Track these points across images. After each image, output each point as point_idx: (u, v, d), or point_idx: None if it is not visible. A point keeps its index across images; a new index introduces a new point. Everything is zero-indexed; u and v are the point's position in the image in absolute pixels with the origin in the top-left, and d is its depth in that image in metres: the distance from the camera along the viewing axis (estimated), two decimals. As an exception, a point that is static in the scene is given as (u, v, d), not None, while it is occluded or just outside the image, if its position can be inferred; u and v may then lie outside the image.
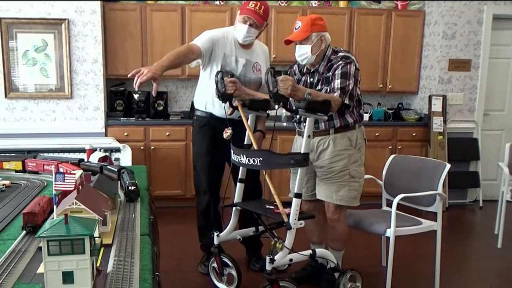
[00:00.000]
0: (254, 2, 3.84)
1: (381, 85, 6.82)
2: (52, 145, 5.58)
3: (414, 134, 6.67)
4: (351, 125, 3.69)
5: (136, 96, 6.40)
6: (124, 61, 6.20)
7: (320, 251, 3.59)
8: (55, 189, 2.08)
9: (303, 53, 3.61)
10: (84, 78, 6.00)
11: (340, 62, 3.57)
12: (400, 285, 4.04)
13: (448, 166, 3.88)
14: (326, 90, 3.58)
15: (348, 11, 6.62)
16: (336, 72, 3.55)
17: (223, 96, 3.66)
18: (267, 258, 3.29)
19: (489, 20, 6.54)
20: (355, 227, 3.95)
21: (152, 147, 6.13)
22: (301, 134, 3.78)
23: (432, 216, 3.93)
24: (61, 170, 3.44)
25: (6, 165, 3.53)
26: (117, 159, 5.33)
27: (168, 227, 5.08)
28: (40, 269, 1.67)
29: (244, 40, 3.93)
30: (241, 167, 3.80)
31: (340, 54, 3.66)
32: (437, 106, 6.55)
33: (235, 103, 3.75)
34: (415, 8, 6.93)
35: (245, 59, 4.00)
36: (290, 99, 3.54)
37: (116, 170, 3.03)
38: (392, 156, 4.37)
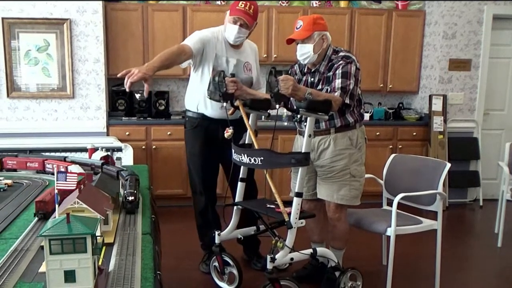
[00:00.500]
0: (244, 2, 3.83)
1: (381, 85, 6.83)
2: (54, 144, 5.59)
3: (414, 133, 6.68)
4: (351, 125, 3.70)
5: (137, 95, 6.42)
6: (125, 61, 6.20)
7: (321, 250, 3.60)
8: (57, 188, 2.09)
9: (305, 52, 3.61)
10: (86, 77, 6.02)
11: (341, 61, 3.58)
12: (400, 284, 4.05)
13: (448, 165, 3.89)
14: (327, 89, 3.59)
15: (349, 11, 6.63)
16: (337, 71, 3.56)
17: (224, 96, 3.67)
18: (268, 257, 3.30)
19: (489, 20, 6.55)
20: (355, 226, 3.97)
21: (154, 147, 6.15)
22: (302, 133, 3.78)
23: (433, 215, 3.94)
24: (49, 166, 3.48)
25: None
26: (119, 159, 5.34)
27: (169, 226, 5.11)
28: (42, 268, 1.67)
29: (235, 40, 3.93)
30: (242, 167, 3.81)
31: (341, 53, 3.67)
32: (437, 105, 6.56)
33: (236, 103, 3.76)
34: (415, 8, 6.94)
35: (236, 59, 4.01)
36: (291, 98, 3.55)
37: (114, 171, 3.05)
38: (393, 155, 4.38)
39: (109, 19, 6.15)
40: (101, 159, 3.41)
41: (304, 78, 3.81)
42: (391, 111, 6.94)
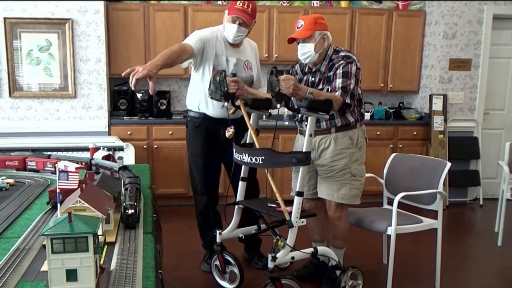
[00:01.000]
0: (242, 1, 3.84)
1: (382, 84, 6.84)
2: (56, 144, 5.59)
3: (415, 133, 6.69)
4: (352, 124, 3.71)
5: (139, 95, 6.43)
6: (127, 61, 6.21)
7: (321, 249, 3.61)
8: (58, 188, 2.11)
9: (307, 51, 3.62)
10: (87, 77, 6.04)
11: (342, 61, 3.59)
12: (401, 282, 4.06)
13: (449, 164, 3.90)
14: (328, 89, 3.60)
15: (350, 11, 6.64)
16: (338, 71, 3.57)
17: (226, 95, 3.67)
18: (269, 256, 3.31)
19: (489, 20, 6.56)
20: (356, 225, 3.98)
21: (155, 146, 6.16)
22: (302, 133, 3.80)
23: (433, 214, 3.96)
24: (31, 164, 3.50)
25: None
26: (120, 158, 5.35)
27: (171, 225, 5.13)
28: (44, 267, 1.68)
29: (235, 39, 3.94)
30: (243, 166, 3.82)
31: (342, 53, 3.67)
32: (437, 105, 6.58)
33: (237, 102, 3.77)
34: (415, 8, 6.96)
35: (236, 58, 4.02)
36: (292, 98, 3.56)
37: (116, 168, 3.04)
38: (393, 154, 4.39)
39: (111, 19, 6.16)
40: (103, 158, 3.43)
41: (305, 78, 3.81)
42: (391, 110, 6.95)
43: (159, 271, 1.89)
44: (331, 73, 3.62)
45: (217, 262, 4.00)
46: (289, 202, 3.41)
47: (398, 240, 3.71)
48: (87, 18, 5.93)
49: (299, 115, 3.79)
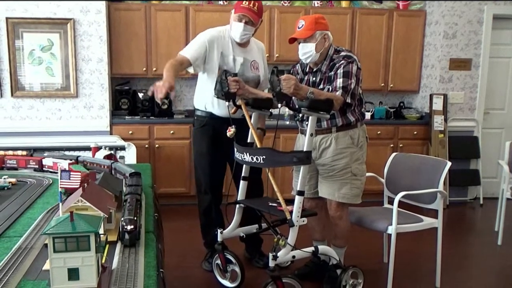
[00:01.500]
0: (248, 0, 3.86)
1: (382, 84, 6.86)
2: (58, 143, 5.63)
3: (415, 132, 6.71)
4: (353, 124, 3.72)
5: (140, 95, 6.45)
6: (129, 60, 6.26)
7: (322, 248, 3.61)
8: (60, 187, 2.13)
9: (308, 51, 3.62)
10: (89, 77, 6.06)
11: (342, 61, 3.60)
12: (401, 281, 4.07)
13: (449, 164, 3.91)
14: (328, 89, 3.61)
15: (350, 11, 6.66)
16: (338, 71, 3.57)
17: (227, 95, 3.69)
18: (270, 255, 3.31)
19: (489, 19, 6.58)
20: (357, 224, 3.98)
21: (157, 145, 6.18)
22: (303, 132, 3.81)
23: (433, 214, 3.96)
24: (10, 162, 3.53)
25: None
26: (122, 157, 5.37)
27: (172, 224, 5.15)
28: (46, 266, 1.69)
29: (241, 38, 3.95)
30: (244, 165, 3.83)
31: (342, 53, 3.68)
32: (438, 104, 6.59)
33: (239, 102, 3.78)
34: (416, 8, 6.97)
35: (243, 57, 4.03)
36: (293, 97, 3.57)
37: (109, 164, 3.06)
38: (394, 154, 4.40)
39: (113, 19, 6.18)
40: (104, 157, 3.45)
41: (306, 78, 3.82)
42: (392, 110, 6.97)
43: (161, 270, 1.90)
44: (332, 72, 3.62)
45: (219, 261, 4.00)
46: (290, 201, 3.41)
47: (399, 239, 3.71)
48: (89, 18, 5.95)
49: (300, 115, 3.79)
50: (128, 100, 6.44)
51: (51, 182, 3.18)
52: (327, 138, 3.72)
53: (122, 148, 5.72)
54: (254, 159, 3.40)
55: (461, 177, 6.75)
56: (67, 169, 3.16)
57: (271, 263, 3.31)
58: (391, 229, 3.70)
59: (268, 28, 6.42)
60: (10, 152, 3.74)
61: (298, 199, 3.36)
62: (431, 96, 6.67)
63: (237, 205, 3.91)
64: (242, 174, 3.90)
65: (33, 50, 5.91)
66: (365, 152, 3.84)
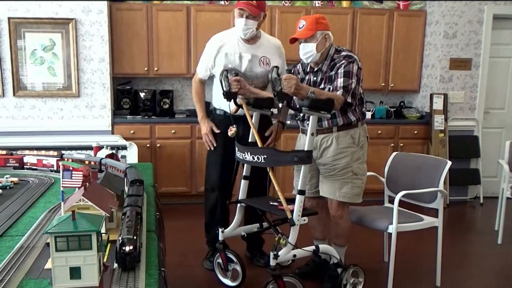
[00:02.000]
0: None
1: (383, 84, 6.87)
2: (60, 142, 5.61)
3: (415, 131, 6.72)
4: (353, 123, 3.72)
5: (142, 94, 6.48)
6: (130, 60, 6.28)
7: (323, 247, 3.62)
8: (62, 186, 2.13)
9: (309, 51, 3.63)
10: (91, 77, 6.07)
11: (343, 61, 3.60)
12: (401, 280, 4.08)
13: (449, 163, 3.92)
14: (329, 88, 3.61)
15: (351, 11, 6.67)
16: (339, 71, 3.57)
17: (228, 94, 3.71)
18: (271, 254, 3.32)
19: (489, 19, 6.59)
20: (357, 224, 3.99)
21: (158, 145, 6.20)
22: (304, 132, 3.81)
23: (433, 213, 3.97)
24: None
25: None
26: (124, 157, 5.38)
27: (173, 223, 5.15)
28: (48, 265, 1.69)
29: (245, 33, 3.97)
30: (245, 165, 3.85)
31: (343, 53, 3.68)
32: (438, 104, 6.61)
33: (240, 101, 3.79)
34: (416, 8, 6.98)
35: (251, 54, 4.03)
36: (294, 97, 3.58)
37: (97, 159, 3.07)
38: (394, 153, 4.41)
39: (114, 19, 6.20)
40: (106, 157, 3.46)
41: (306, 77, 3.83)
42: (392, 109, 6.98)
43: (162, 269, 1.89)
44: (333, 72, 3.63)
45: (220, 260, 4.01)
46: (291, 201, 3.42)
47: (399, 238, 3.73)
48: (91, 18, 5.96)
49: (301, 114, 3.80)
50: (130, 99, 6.46)
51: (53, 181, 3.19)
52: (328, 138, 3.72)
53: (124, 148, 5.73)
54: (255, 158, 3.42)
55: (461, 176, 6.76)
56: (55, 166, 3.19)
57: (272, 262, 3.32)
58: (392, 228, 3.71)
59: (269, 28, 6.43)
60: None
61: (299, 198, 3.37)
62: (431, 96, 6.68)
63: (238, 204, 3.92)
64: (243, 174, 3.92)
65: (35, 50, 5.93)
66: (366, 152, 3.85)
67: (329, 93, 3.53)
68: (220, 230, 3.86)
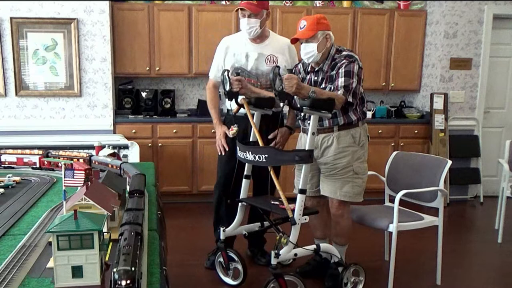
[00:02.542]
0: None
1: (383, 83, 6.89)
2: (62, 142, 5.64)
3: (416, 131, 6.74)
4: (354, 123, 3.73)
5: (144, 94, 6.50)
6: (132, 60, 6.30)
7: (324, 245, 3.64)
8: (64, 185, 2.14)
9: (310, 51, 3.63)
10: (93, 76, 6.09)
11: (344, 60, 3.61)
12: (402, 278, 4.09)
13: (450, 162, 3.93)
14: (330, 88, 3.62)
15: (352, 11, 6.69)
16: (340, 70, 3.58)
17: (229, 94, 3.73)
18: (272, 253, 3.33)
19: (489, 19, 6.61)
20: (358, 222, 4.00)
21: (160, 144, 6.22)
22: (305, 131, 3.81)
23: (434, 212, 3.98)
24: None
25: None
26: (125, 156, 5.41)
27: (175, 222, 5.19)
28: (50, 264, 1.69)
29: (249, 32, 4.00)
30: (246, 164, 3.86)
31: (344, 53, 3.69)
32: (438, 103, 6.62)
33: (241, 101, 3.81)
34: (417, 8, 7.00)
35: (257, 53, 4.06)
36: (295, 97, 3.58)
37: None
38: (395, 153, 4.42)
39: (116, 19, 6.22)
40: (108, 156, 3.46)
41: (307, 77, 3.83)
42: (393, 109, 6.99)
43: (164, 267, 1.89)
44: (334, 72, 3.64)
45: (221, 259, 4.03)
46: (292, 200, 3.43)
47: (400, 237, 3.74)
48: (93, 18, 5.98)
49: (302, 114, 3.81)
50: (132, 99, 6.47)
51: (55, 181, 3.19)
52: (329, 137, 3.73)
53: (126, 147, 5.75)
54: (257, 157, 3.43)
55: (461, 175, 6.78)
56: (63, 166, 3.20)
57: (273, 261, 3.34)
58: (392, 227, 3.72)
59: (270, 28, 6.37)
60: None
61: (300, 198, 3.39)
62: (431, 95, 6.69)
63: (240, 203, 3.93)
64: (245, 173, 3.93)
65: (37, 49, 5.95)
66: (366, 151, 3.85)
67: (330, 93, 3.54)
68: (221, 229, 3.87)
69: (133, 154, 5.70)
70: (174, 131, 6.23)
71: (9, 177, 3.11)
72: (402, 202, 3.81)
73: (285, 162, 3.62)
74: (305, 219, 3.43)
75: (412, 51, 6.89)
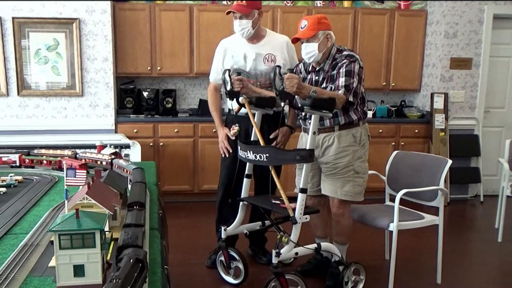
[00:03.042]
0: None
1: (384, 83, 6.90)
2: (63, 141, 5.64)
3: (416, 130, 6.75)
4: (355, 122, 3.74)
5: (145, 93, 6.52)
6: (133, 60, 6.32)
7: (325, 245, 3.65)
8: (66, 185, 2.15)
9: (311, 51, 3.64)
10: (94, 76, 6.11)
11: (345, 60, 3.62)
12: (402, 277, 4.10)
13: (450, 162, 3.94)
14: (331, 88, 3.62)
15: (352, 11, 6.70)
16: (341, 70, 3.59)
17: (230, 93, 3.74)
18: (273, 252, 3.35)
19: (489, 19, 6.63)
20: (359, 222, 4.01)
21: (161, 144, 6.23)
22: (306, 131, 3.83)
23: (434, 211, 4.00)
24: None
25: None
26: (127, 155, 5.42)
27: (176, 221, 5.20)
28: (52, 263, 1.70)
29: (242, 33, 4.01)
30: (247, 163, 3.88)
31: (345, 52, 3.70)
32: (439, 103, 6.64)
33: (242, 100, 3.82)
34: (417, 8, 7.01)
35: (255, 53, 4.07)
36: (296, 96, 3.59)
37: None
38: (395, 152, 4.43)
39: (118, 19, 6.24)
40: (110, 155, 3.47)
41: (308, 77, 3.84)
42: (393, 108, 7.00)
43: (165, 266, 1.90)
44: (335, 72, 3.64)
45: (222, 258, 4.04)
46: (292, 199, 3.44)
47: (400, 236, 3.76)
48: (94, 18, 6.00)
49: (303, 113, 3.82)
50: (133, 98, 6.49)
51: (56, 180, 3.20)
52: (329, 137, 3.74)
53: (127, 146, 5.77)
54: (258, 157, 3.44)
55: (461, 174, 6.79)
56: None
57: (274, 260, 3.35)
58: (393, 226, 3.74)
59: (271, 28, 6.44)
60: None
61: (301, 197, 3.40)
62: (432, 95, 6.71)
63: (241, 203, 3.94)
64: (246, 172, 3.94)
65: (39, 49, 5.97)
66: (367, 150, 3.86)
67: (331, 92, 3.54)
68: (222, 228, 3.89)
69: (135, 153, 5.71)
70: (176, 130, 6.24)
71: (11, 176, 3.12)
72: (402, 201, 3.82)
73: (286, 162, 3.64)
74: (306, 218, 3.45)
75: (412, 51, 6.90)
